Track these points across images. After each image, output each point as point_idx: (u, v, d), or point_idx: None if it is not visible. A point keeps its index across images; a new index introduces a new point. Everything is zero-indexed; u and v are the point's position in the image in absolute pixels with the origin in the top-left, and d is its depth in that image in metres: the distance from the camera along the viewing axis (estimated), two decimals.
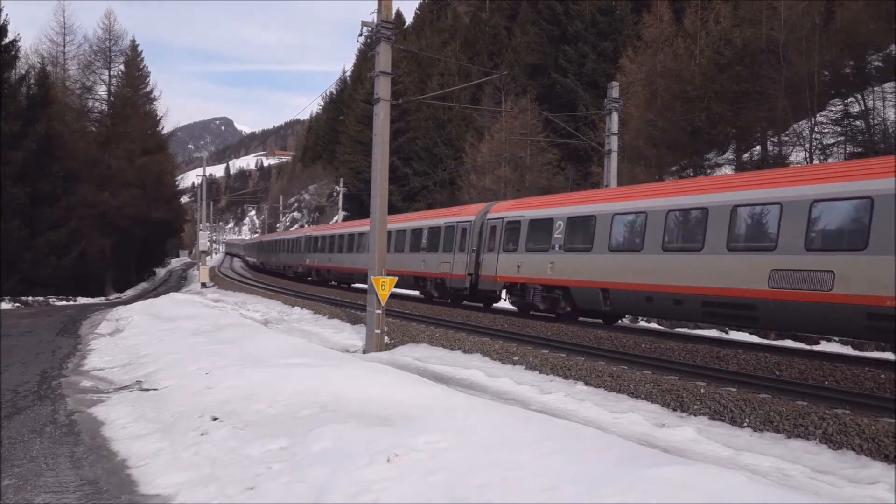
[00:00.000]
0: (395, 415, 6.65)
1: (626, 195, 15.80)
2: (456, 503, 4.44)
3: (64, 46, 45.04)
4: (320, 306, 22.63)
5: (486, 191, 40.00)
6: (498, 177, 41.17)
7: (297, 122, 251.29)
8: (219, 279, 47.98)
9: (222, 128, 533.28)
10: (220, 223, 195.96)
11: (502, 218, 19.40)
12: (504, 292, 19.59)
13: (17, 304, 29.96)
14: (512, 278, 18.57)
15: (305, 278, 40.99)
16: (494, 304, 22.22)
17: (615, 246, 15.14)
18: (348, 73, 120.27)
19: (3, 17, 33.98)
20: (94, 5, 50.84)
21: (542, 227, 17.67)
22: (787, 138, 31.18)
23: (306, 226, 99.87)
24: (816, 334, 14.76)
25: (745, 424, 7.92)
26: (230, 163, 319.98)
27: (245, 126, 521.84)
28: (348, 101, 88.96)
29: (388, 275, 23.64)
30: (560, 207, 17.38)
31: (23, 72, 36.67)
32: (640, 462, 4.96)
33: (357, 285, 32.00)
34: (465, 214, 21.99)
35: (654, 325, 19.48)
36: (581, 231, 16.32)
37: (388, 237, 25.70)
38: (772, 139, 32.54)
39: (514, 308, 19.93)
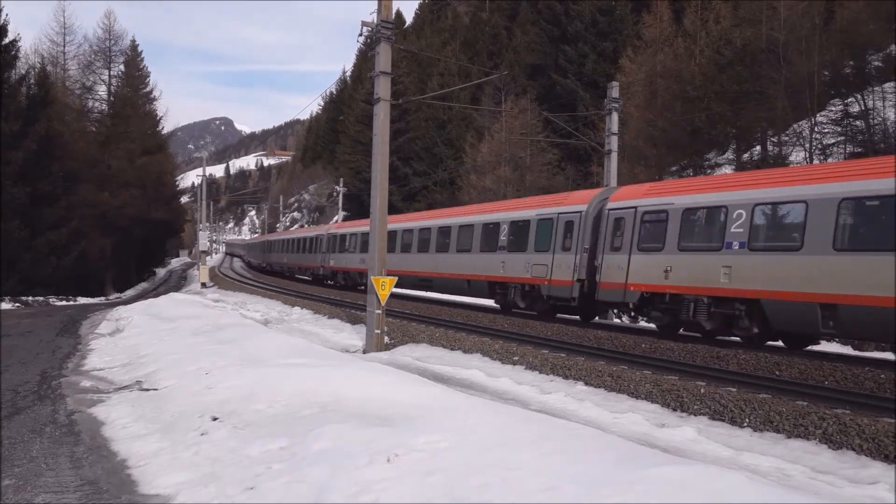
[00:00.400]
0: (395, 415, 6.65)
1: (860, 171, 11.23)
2: (456, 503, 4.44)
3: (64, 46, 45.09)
4: (320, 306, 22.63)
5: (486, 191, 40.05)
6: (498, 177, 41.19)
7: (297, 122, 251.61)
8: (219, 279, 47.99)
9: (222, 128, 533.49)
10: (220, 223, 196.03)
11: (635, 207, 15.00)
12: (630, 305, 15.05)
13: (17, 304, 29.97)
14: (654, 287, 14.11)
15: (324, 282, 37.42)
16: (596, 319, 18.35)
17: (847, 244, 10.94)
18: (348, 73, 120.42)
19: (4, 17, 34.03)
20: (94, 5, 50.86)
21: (707, 219, 13.50)
22: (787, 138, 31.22)
23: (306, 225, 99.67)
24: None
25: (745, 424, 7.93)
26: (230, 163, 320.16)
27: (245, 126, 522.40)
28: (348, 101, 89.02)
29: (451, 280, 20.65)
30: (739, 191, 12.91)
31: (23, 72, 36.70)
32: (640, 462, 4.96)
33: (415, 292, 27.23)
34: (569, 203, 17.50)
35: (653, 326, 19.41)
36: (782, 223, 12.16)
37: (448, 233, 22.35)
38: (772, 139, 32.57)
39: (653, 326, 15.36)
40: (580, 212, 16.84)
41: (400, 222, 26.93)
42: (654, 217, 14.54)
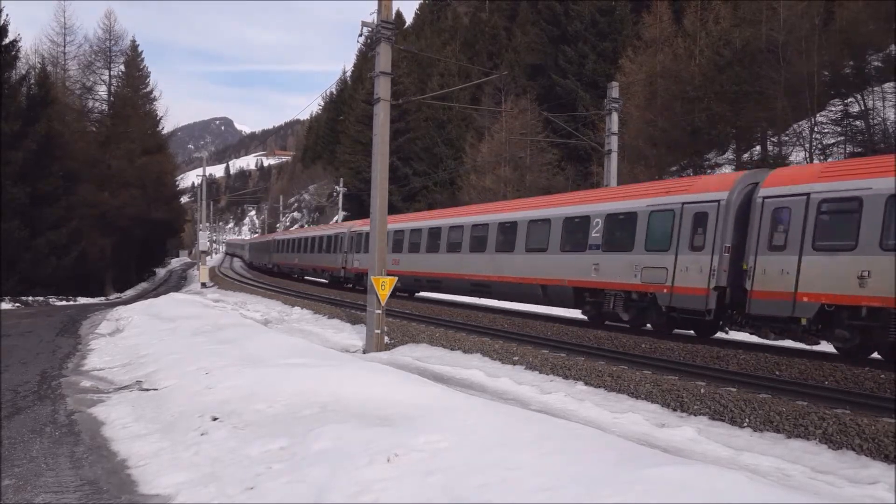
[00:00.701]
0: (395, 415, 6.65)
1: None
2: (456, 503, 4.45)
3: (64, 46, 45.09)
4: (320, 306, 22.63)
5: (486, 191, 40.07)
6: (498, 177, 41.22)
7: (298, 122, 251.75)
8: (219, 279, 47.98)
9: (222, 128, 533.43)
10: (220, 223, 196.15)
11: (806, 194, 11.73)
12: (802, 321, 11.57)
13: (17, 304, 29.96)
14: (842, 298, 10.98)
15: (345, 285, 34.02)
16: (716, 335, 14.60)
17: None
18: (348, 73, 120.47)
19: (4, 17, 34.00)
20: (94, 5, 50.87)
21: None
22: (786, 138, 31.24)
23: (306, 225, 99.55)
24: None
25: (745, 424, 7.93)
26: (230, 163, 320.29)
27: (245, 126, 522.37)
28: (348, 101, 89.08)
29: (517, 285, 18.13)
30: None
31: (23, 72, 36.70)
32: (640, 462, 4.97)
33: (465, 299, 24.08)
34: (698, 191, 13.96)
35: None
36: None
37: (512, 229, 19.08)
38: (771, 139, 32.60)
39: (835, 351, 12.43)
40: (718, 201, 13.29)
41: (445, 218, 23.61)
42: (840, 206, 11.34)
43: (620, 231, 15.40)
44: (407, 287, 26.41)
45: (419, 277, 23.88)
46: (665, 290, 13.91)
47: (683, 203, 13.95)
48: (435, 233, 23.43)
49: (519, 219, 19.06)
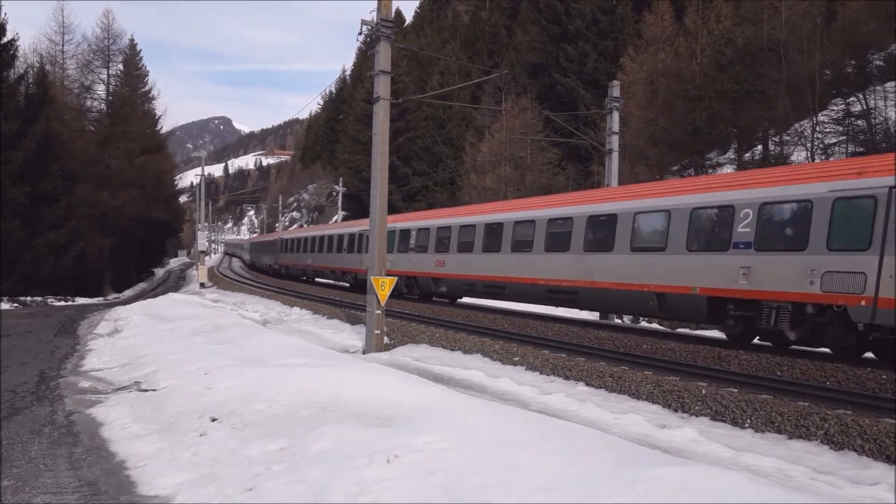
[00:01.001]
0: (394, 415, 6.63)
1: None
2: (455, 503, 4.43)
3: (62, 46, 45.14)
4: (319, 306, 22.60)
5: (487, 190, 40.04)
6: (498, 176, 41.19)
7: (297, 121, 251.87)
8: (217, 279, 47.94)
9: (221, 127, 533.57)
10: (219, 223, 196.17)
11: None
12: None
13: (15, 305, 29.92)
14: None
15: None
16: None
17: None
18: (348, 73, 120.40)
19: (2, 16, 33.99)
20: (93, 5, 50.79)
21: None
22: (788, 138, 31.22)
23: (305, 225, 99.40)
24: None
25: (747, 425, 7.91)
26: (229, 162, 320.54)
27: (244, 125, 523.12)
28: (348, 100, 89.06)
29: (617, 292, 15.40)
30: None
31: (21, 71, 36.70)
32: (640, 462, 4.94)
33: (537, 308, 20.58)
34: None
35: (654, 326, 19.41)
36: None
37: (609, 224, 15.73)
38: (773, 139, 32.57)
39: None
40: None
41: (508, 211, 19.84)
42: None
43: (785, 224, 11.98)
44: (452, 292, 22.93)
45: (473, 281, 20.43)
46: (862, 303, 10.63)
47: (891, 187, 10.45)
48: (494, 229, 19.75)
49: (619, 211, 15.58)
